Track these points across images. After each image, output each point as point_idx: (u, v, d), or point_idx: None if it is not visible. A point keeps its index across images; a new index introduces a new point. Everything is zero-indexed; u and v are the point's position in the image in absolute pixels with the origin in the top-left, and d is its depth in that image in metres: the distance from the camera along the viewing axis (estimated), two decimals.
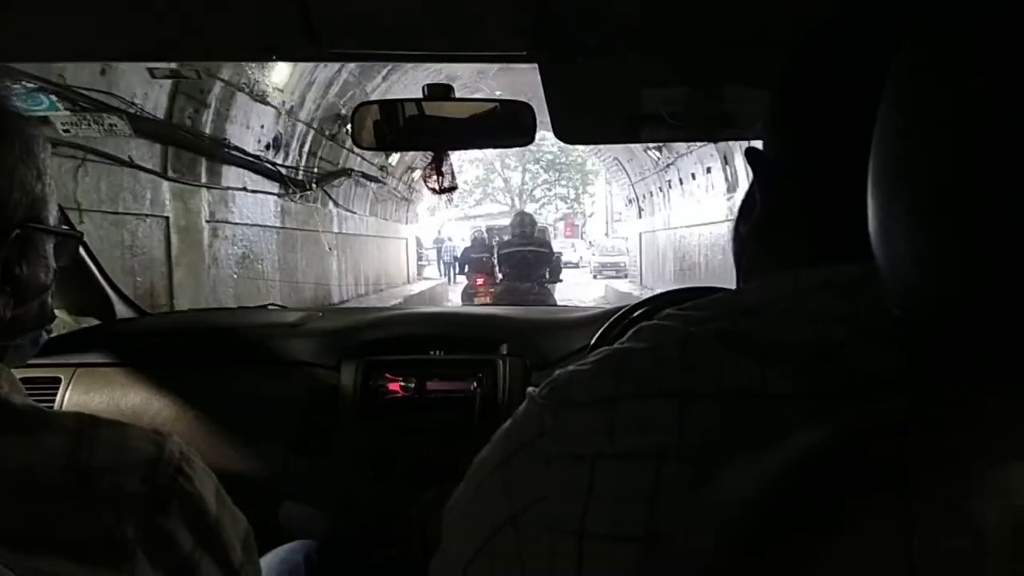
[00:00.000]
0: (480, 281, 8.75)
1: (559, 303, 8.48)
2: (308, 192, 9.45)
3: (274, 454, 1.64)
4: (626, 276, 21.14)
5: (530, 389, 0.56)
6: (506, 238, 8.57)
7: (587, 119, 1.37)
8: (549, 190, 36.76)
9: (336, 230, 11.09)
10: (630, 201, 17.71)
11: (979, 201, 0.31)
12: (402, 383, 1.65)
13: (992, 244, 0.31)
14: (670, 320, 0.54)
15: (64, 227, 0.72)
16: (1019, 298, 0.31)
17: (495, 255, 8.30)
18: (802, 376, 0.46)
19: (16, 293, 0.66)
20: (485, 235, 11.08)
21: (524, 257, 7.65)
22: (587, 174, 35.47)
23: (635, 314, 1.52)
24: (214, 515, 0.64)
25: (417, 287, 16.28)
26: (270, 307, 2.19)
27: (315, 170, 9.71)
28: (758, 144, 0.65)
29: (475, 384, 1.60)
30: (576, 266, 30.06)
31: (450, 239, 25.79)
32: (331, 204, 10.88)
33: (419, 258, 20.66)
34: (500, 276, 7.98)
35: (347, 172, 11.21)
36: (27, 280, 0.67)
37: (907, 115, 0.36)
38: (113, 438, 0.61)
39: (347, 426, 1.63)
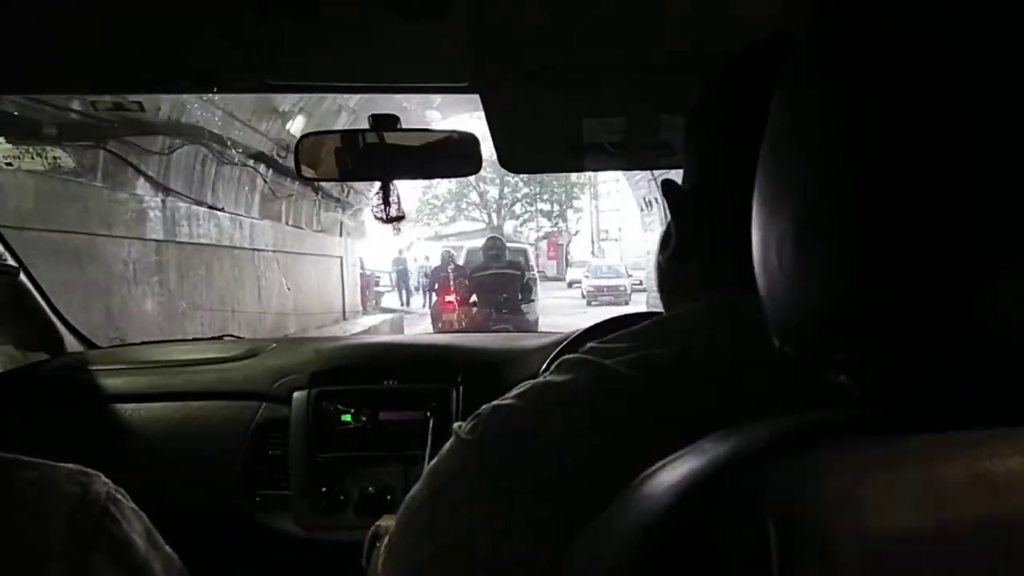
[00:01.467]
0: (447, 300, 8.84)
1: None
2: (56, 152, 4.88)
3: (226, 487, 1.61)
4: (627, 302, 18.78)
5: (455, 426, 0.57)
6: (479, 261, 8.73)
7: (530, 148, 1.39)
8: (530, 205, 31.87)
9: (160, 235, 6.39)
10: (648, 204, 14.88)
11: (829, 237, 0.33)
12: (354, 413, 1.63)
13: (844, 270, 0.33)
14: (590, 353, 0.55)
15: None
16: (876, 310, 0.32)
17: (468, 278, 8.50)
18: (706, 400, 0.49)
19: None
20: (453, 254, 10.83)
21: (495, 279, 7.85)
22: (572, 187, 31.38)
23: (582, 341, 1.53)
24: (142, 556, 0.63)
25: (359, 324, 11.73)
26: (226, 338, 2.16)
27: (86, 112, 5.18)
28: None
29: (427, 413, 1.60)
30: (557, 280, 27.64)
31: (417, 260, 22.91)
32: (142, 182, 6.12)
33: (376, 284, 18.42)
34: (474, 299, 8.17)
35: (192, 133, 6.63)
36: None
37: (777, 137, 0.38)
38: (35, 479, 0.60)
39: (299, 458, 1.61)
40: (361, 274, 15.75)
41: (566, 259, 31.65)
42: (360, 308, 13.87)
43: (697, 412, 0.48)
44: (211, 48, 1.05)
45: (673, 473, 0.35)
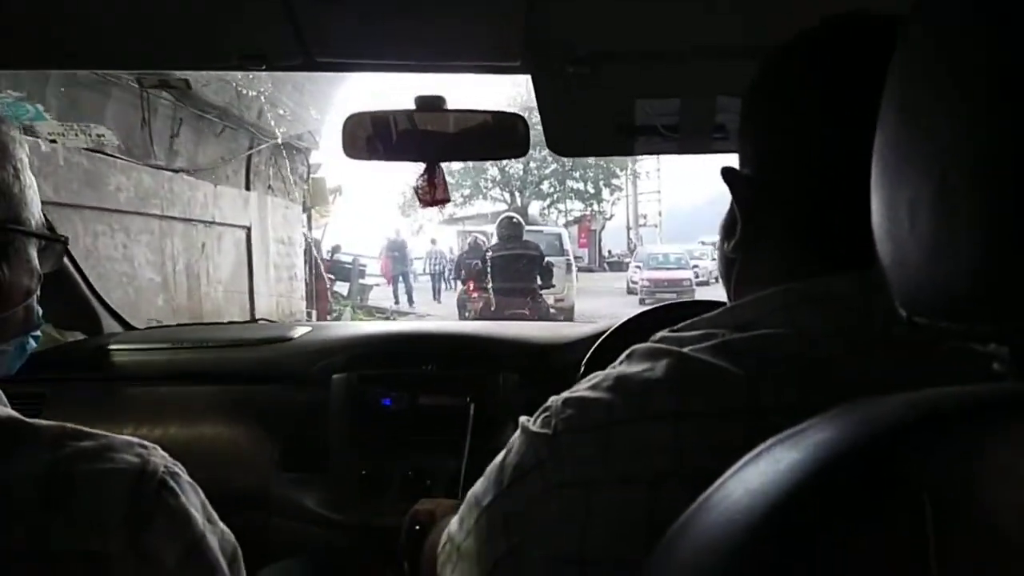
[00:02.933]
0: (474, 289, 8.09)
1: None
2: None
3: (263, 470, 1.61)
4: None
5: (522, 419, 0.56)
6: (494, 242, 8.05)
7: (580, 130, 1.36)
8: (560, 183, 26.68)
9: None
10: None
11: (978, 190, 0.30)
12: (394, 397, 1.63)
13: (993, 233, 0.30)
14: (664, 342, 0.54)
15: (47, 231, 0.70)
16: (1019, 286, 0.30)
17: (483, 259, 7.68)
18: (793, 390, 0.47)
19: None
20: (482, 240, 9.79)
21: (509, 261, 7.14)
22: (610, 163, 26.00)
23: (626, 332, 1.50)
24: (199, 531, 0.62)
25: None
26: (260, 322, 2.17)
27: None
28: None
29: (468, 399, 1.58)
30: (590, 271, 22.48)
31: (434, 243, 18.73)
32: None
33: (362, 275, 14.32)
34: (489, 284, 7.35)
35: None
36: (9, 285, 0.66)
37: (908, 108, 0.35)
38: (96, 450, 0.59)
39: (338, 441, 1.61)
40: (331, 261, 12.96)
41: (599, 248, 27.99)
42: (306, 313, 9.74)
43: (784, 400, 0.47)
44: (261, 25, 1.04)
45: (793, 451, 0.34)
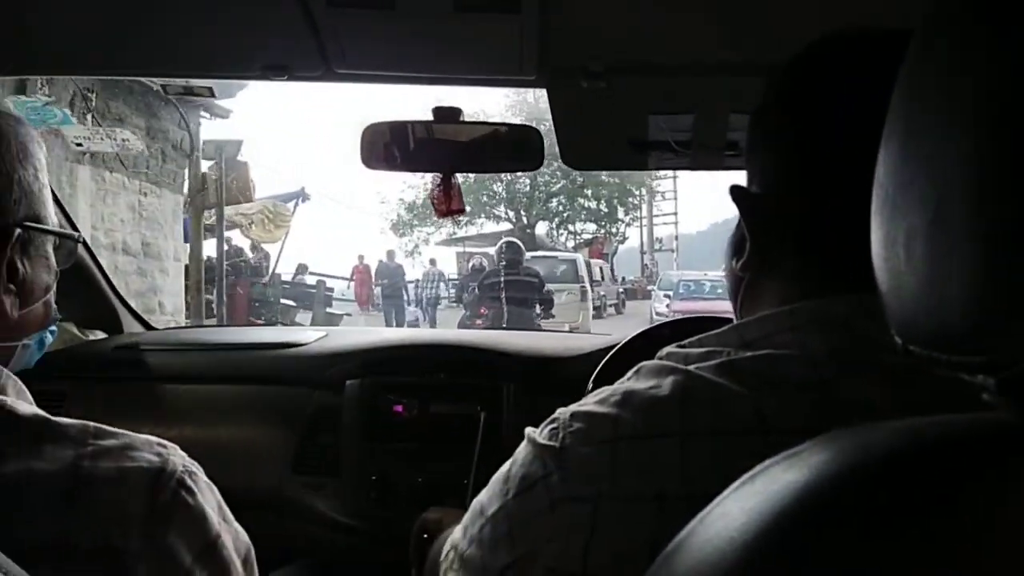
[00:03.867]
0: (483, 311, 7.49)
1: None
2: None
3: (276, 473, 1.63)
4: None
5: (528, 430, 0.56)
6: (491, 268, 7.68)
7: (594, 144, 1.37)
8: (570, 201, 24.20)
9: None
10: None
11: (972, 222, 0.31)
12: (405, 404, 1.64)
13: (985, 266, 0.30)
14: (670, 359, 0.54)
15: (62, 228, 0.72)
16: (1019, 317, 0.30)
17: (479, 285, 7.27)
18: (797, 411, 0.47)
19: (21, 293, 0.67)
20: (485, 262, 9.02)
21: (507, 287, 6.76)
22: (626, 182, 23.81)
23: (635, 347, 1.51)
24: (215, 531, 0.63)
25: None
26: (278, 326, 2.19)
27: None
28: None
29: (479, 408, 1.59)
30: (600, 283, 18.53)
31: (434, 263, 16.14)
32: None
33: (327, 302, 12.07)
34: (483, 310, 7.00)
35: None
36: (31, 280, 0.68)
37: (908, 137, 0.35)
38: (118, 449, 0.60)
39: (350, 447, 1.63)
40: (293, 283, 10.38)
41: (612, 273, 22.52)
42: None
43: (788, 420, 0.47)
44: (285, 38, 1.06)
45: (789, 472, 0.34)
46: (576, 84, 1.16)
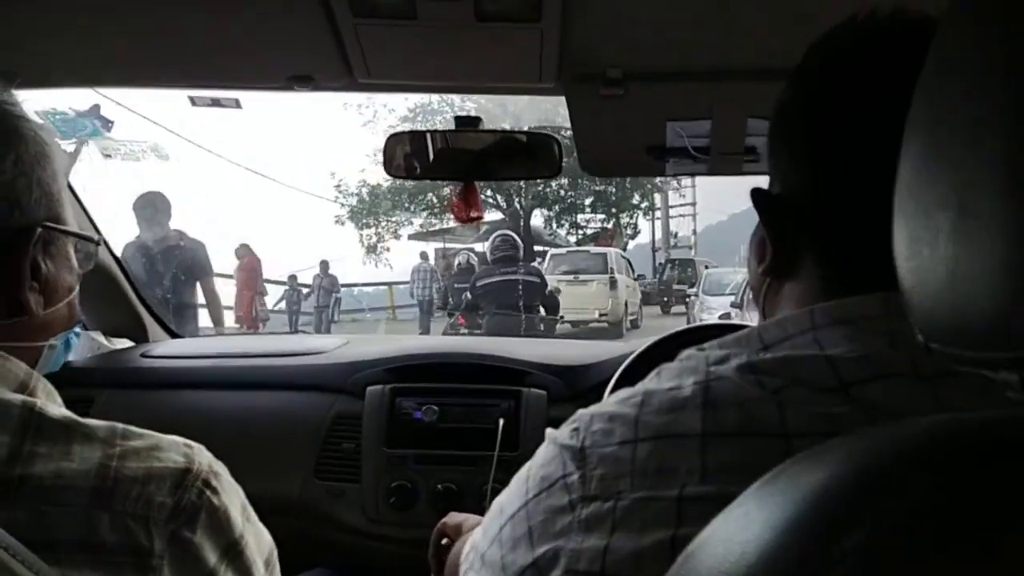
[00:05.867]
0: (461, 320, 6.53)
1: None
2: None
3: (299, 478, 1.65)
4: None
5: (549, 430, 0.56)
6: (483, 267, 6.50)
7: (614, 151, 1.38)
8: (571, 189, 20.39)
9: None
10: None
11: (996, 221, 0.31)
12: (426, 411, 1.65)
13: (1009, 264, 0.30)
14: (691, 360, 0.54)
15: (81, 230, 0.74)
16: None
17: (471, 289, 6.04)
18: (817, 412, 0.46)
19: (45, 292, 0.68)
20: (473, 258, 7.91)
21: (505, 288, 5.66)
22: None
23: (655, 353, 1.51)
24: (239, 531, 0.64)
25: None
26: (300, 332, 2.21)
27: None
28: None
29: (498, 416, 1.60)
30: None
31: (425, 259, 14.56)
32: None
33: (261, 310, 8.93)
34: (480, 315, 5.91)
35: None
36: (54, 279, 0.69)
37: (931, 135, 0.35)
38: (145, 449, 0.62)
39: (372, 452, 1.64)
40: None
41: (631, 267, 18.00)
42: None
43: (808, 421, 0.46)
44: (309, 48, 1.08)
45: (810, 473, 0.34)
46: (594, 92, 1.17)
